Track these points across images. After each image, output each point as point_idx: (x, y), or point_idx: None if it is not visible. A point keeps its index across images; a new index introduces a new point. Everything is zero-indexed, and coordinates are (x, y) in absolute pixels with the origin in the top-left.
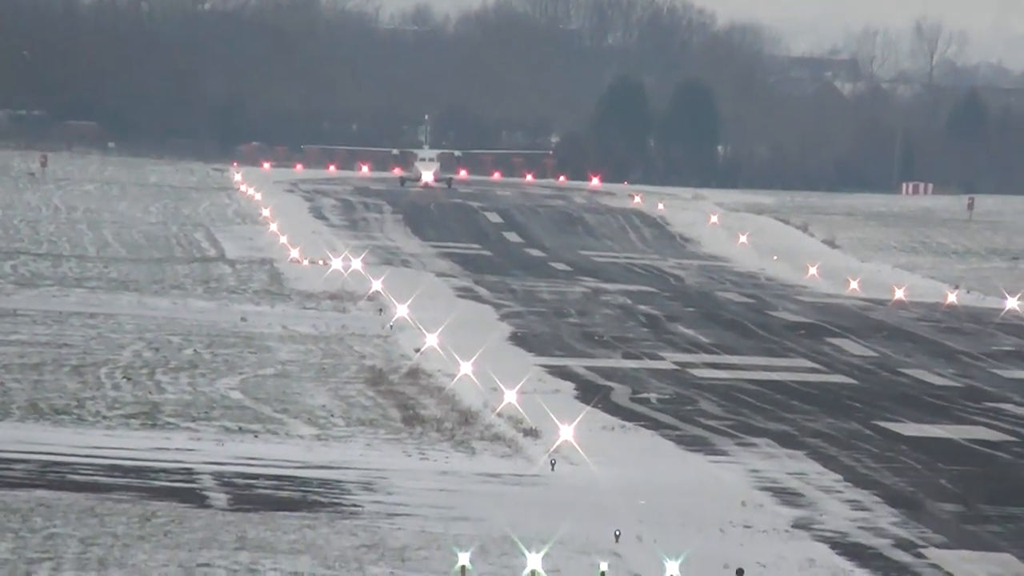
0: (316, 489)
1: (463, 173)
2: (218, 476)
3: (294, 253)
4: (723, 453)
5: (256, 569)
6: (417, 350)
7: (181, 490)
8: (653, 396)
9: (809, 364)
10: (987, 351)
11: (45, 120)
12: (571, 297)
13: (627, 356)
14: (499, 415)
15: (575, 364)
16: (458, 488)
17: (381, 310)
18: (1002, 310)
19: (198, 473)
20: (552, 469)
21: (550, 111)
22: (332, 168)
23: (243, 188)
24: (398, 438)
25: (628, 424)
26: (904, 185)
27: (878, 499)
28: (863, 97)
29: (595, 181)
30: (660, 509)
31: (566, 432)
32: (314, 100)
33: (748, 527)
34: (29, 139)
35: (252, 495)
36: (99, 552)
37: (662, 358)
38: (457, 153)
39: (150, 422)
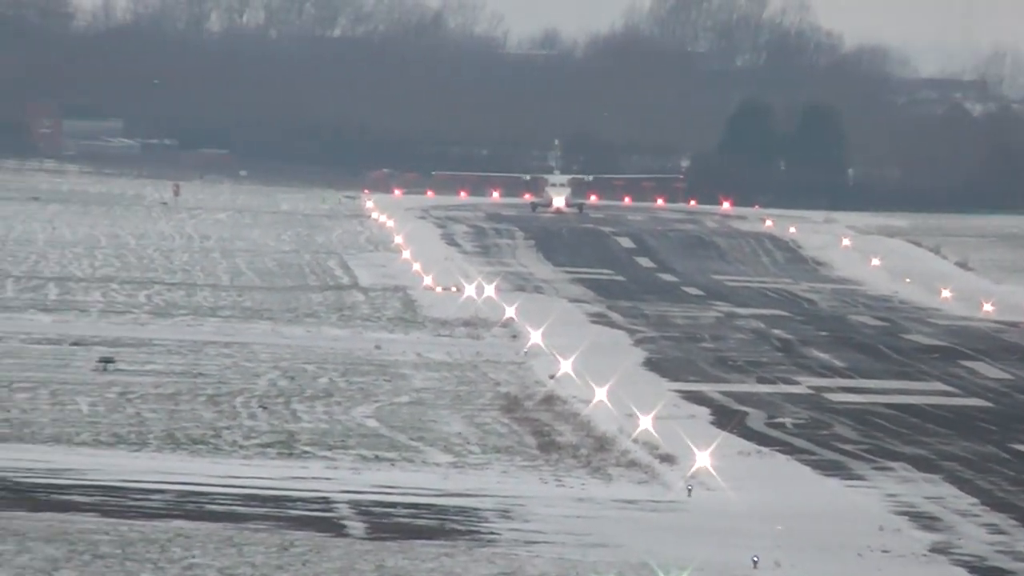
0: (453, 517)
1: (593, 198)
2: (355, 504)
3: (427, 280)
4: (859, 477)
5: None
6: (552, 376)
7: (318, 519)
8: (788, 421)
9: (944, 387)
10: None
11: (176, 149)
12: (704, 322)
13: (761, 381)
14: (635, 441)
15: (710, 389)
16: (595, 515)
17: (515, 336)
18: None
19: (335, 502)
20: (689, 495)
21: (679, 134)
22: (463, 194)
23: (375, 215)
24: (534, 465)
25: (764, 449)
26: None
27: (1015, 523)
28: (993, 118)
29: (726, 205)
30: (797, 534)
31: (702, 458)
32: (443, 125)
33: (886, 552)
34: (161, 168)
35: (389, 523)
36: None
37: (797, 382)
38: (588, 178)
39: (286, 451)
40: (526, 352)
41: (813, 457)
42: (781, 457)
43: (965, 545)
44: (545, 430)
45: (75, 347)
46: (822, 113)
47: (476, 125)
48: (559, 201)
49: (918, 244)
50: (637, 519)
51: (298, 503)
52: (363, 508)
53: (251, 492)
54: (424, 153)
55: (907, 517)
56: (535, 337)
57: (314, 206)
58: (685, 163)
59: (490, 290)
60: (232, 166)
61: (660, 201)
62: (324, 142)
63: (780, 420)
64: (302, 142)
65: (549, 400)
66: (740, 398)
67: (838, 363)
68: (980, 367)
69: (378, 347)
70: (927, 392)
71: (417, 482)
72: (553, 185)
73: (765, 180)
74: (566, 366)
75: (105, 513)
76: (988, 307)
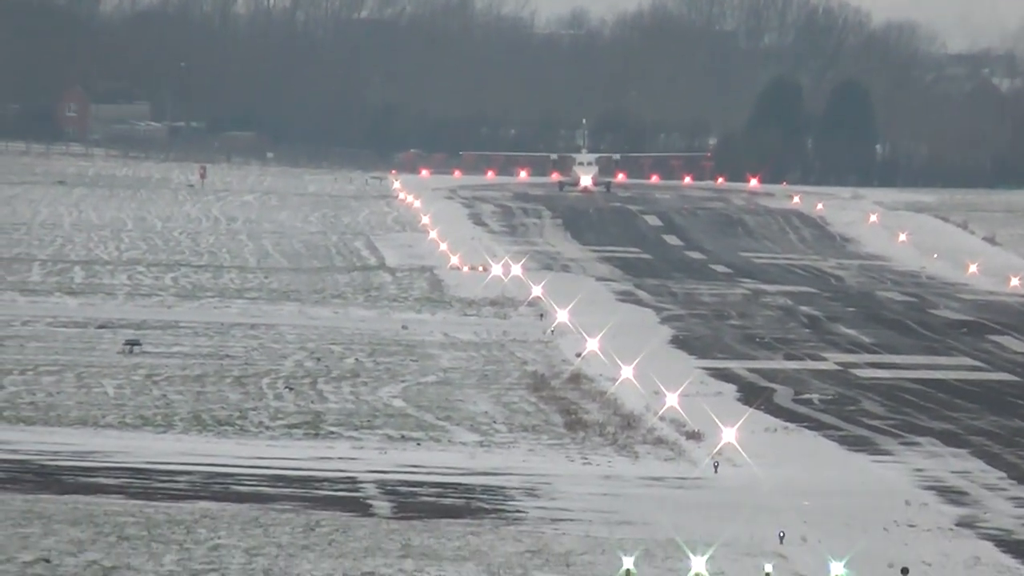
0: (480, 496)
1: (621, 177)
2: (381, 484)
3: (454, 260)
4: (886, 453)
5: None
6: (578, 355)
7: (345, 499)
8: (815, 397)
9: (971, 362)
10: None
11: (203, 132)
12: (732, 299)
13: (789, 357)
14: (661, 419)
15: (737, 366)
16: (621, 492)
17: (542, 315)
18: None
19: (361, 482)
20: (715, 472)
21: (707, 113)
22: (490, 174)
23: (402, 196)
24: (560, 443)
25: (791, 425)
26: None
27: None
28: (1020, 93)
29: (754, 182)
30: (824, 510)
31: (729, 434)
32: (471, 106)
33: (912, 526)
34: (187, 151)
35: (416, 503)
36: (264, 562)
37: (824, 359)
38: (615, 157)
39: (313, 432)
40: (553, 331)
41: (840, 433)
42: (808, 433)
43: (992, 519)
44: (572, 408)
45: (101, 330)
46: (851, 90)
47: (504, 105)
48: (586, 180)
49: (946, 220)
50: (664, 496)
51: (324, 483)
52: (389, 488)
53: (277, 473)
54: (452, 134)
55: (934, 492)
56: (562, 316)
57: (341, 187)
58: (713, 141)
59: (517, 269)
60: (259, 148)
61: (688, 179)
62: (351, 123)
63: (807, 396)
64: (329, 124)
65: (576, 379)
66: (767, 375)
67: (866, 339)
68: (1008, 341)
69: (405, 327)
70: (955, 367)
71: (444, 461)
72: (580, 164)
73: (793, 158)
74: (593, 345)
75: (131, 495)
76: (1016, 281)
